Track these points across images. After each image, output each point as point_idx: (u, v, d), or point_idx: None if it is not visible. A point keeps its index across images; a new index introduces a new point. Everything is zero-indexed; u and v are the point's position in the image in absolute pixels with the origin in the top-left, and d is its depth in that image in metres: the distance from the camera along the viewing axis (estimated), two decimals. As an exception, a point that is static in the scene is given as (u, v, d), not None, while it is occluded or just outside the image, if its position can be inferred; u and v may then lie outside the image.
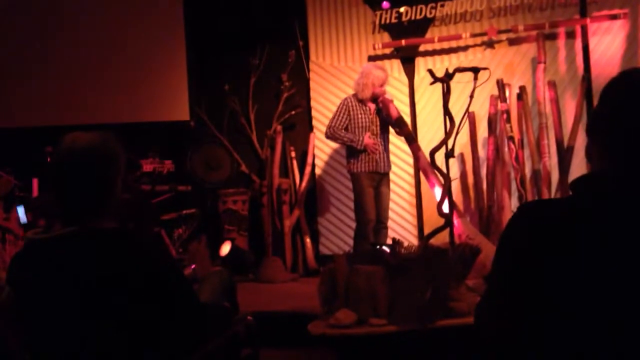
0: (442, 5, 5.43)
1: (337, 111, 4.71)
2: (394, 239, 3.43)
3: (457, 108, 4.87)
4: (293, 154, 5.81)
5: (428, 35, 5.51)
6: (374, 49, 5.58)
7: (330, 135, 4.70)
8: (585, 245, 1.18)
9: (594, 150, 1.30)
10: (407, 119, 5.10)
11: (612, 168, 1.25)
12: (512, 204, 5.03)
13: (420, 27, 5.53)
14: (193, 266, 3.34)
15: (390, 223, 5.00)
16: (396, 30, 5.58)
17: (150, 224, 4.68)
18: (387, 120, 4.69)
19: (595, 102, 1.35)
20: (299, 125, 5.89)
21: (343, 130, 4.64)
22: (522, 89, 5.08)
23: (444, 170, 4.00)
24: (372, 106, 4.69)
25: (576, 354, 1.16)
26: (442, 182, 4.13)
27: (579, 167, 4.85)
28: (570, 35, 5.19)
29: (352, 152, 4.66)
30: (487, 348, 1.36)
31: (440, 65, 5.38)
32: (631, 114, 1.23)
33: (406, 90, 5.59)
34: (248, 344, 2.19)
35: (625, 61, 4.98)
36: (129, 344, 1.52)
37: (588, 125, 1.33)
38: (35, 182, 4.91)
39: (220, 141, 5.85)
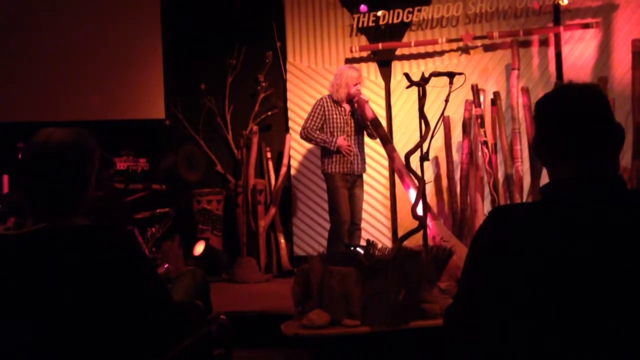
0: (419, 10, 5.48)
1: (311, 112, 4.71)
2: (367, 241, 3.44)
3: (433, 112, 4.92)
4: (269, 155, 5.81)
5: (405, 39, 5.56)
6: (351, 51, 5.60)
7: (304, 136, 4.70)
8: (555, 248, 1.21)
9: (550, 166, 1.37)
10: (383, 122, 5.13)
11: (571, 176, 1.30)
12: (484, 208, 5.10)
13: (397, 31, 5.57)
14: (166, 265, 3.32)
15: (364, 225, 5.02)
16: (373, 33, 5.61)
17: (123, 222, 4.63)
18: (362, 121, 4.71)
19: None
20: (275, 126, 5.89)
21: (317, 132, 4.65)
22: (496, 94, 5.15)
23: (419, 173, 4.04)
24: (347, 107, 4.71)
25: (545, 354, 1.19)
26: (417, 184, 4.17)
27: (550, 172, 4.92)
28: (544, 42, 5.28)
29: (326, 153, 4.67)
30: (456, 349, 1.38)
31: (417, 69, 5.43)
32: (578, 126, 1.29)
33: (382, 93, 5.63)
34: (221, 343, 2.18)
35: (597, 69, 5.09)
36: (99, 343, 1.51)
37: (535, 146, 1.39)
38: (5, 179, 4.83)
39: (194, 140, 5.81)
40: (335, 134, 4.62)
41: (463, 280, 1.37)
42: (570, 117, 1.31)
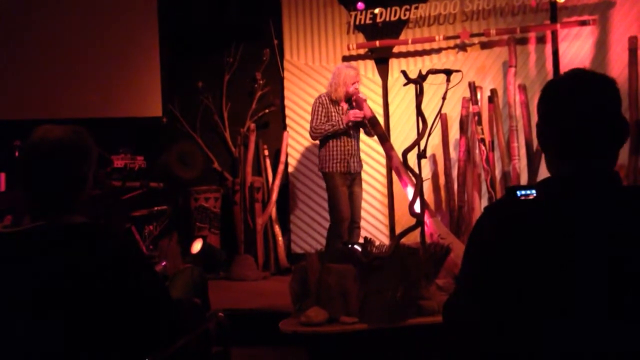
0: (417, 8, 5.48)
1: (313, 111, 4.68)
2: (365, 238, 3.45)
3: (430, 109, 4.92)
4: (266, 152, 5.81)
5: (402, 36, 5.56)
6: (349, 49, 5.60)
7: (314, 135, 4.65)
8: (550, 244, 1.21)
9: (550, 157, 1.34)
10: (381, 120, 5.13)
11: (572, 172, 1.29)
12: (482, 205, 5.10)
13: (394, 29, 5.57)
14: (163, 263, 3.32)
15: (362, 222, 5.02)
16: (370, 31, 5.61)
17: (120, 220, 4.62)
18: (360, 119, 4.70)
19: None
20: (273, 124, 5.89)
21: (323, 124, 4.61)
22: (493, 91, 5.15)
23: (416, 170, 4.04)
24: (345, 106, 4.71)
25: (545, 348, 1.19)
26: (414, 182, 4.17)
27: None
28: (541, 40, 5.28)
29: (324, 152, 4.66)
30: (455, 344, 1.38)
31: (414, 66, 5.43)
32: (587, 119, 1.28)
33: (380, 91, 5.63)
34: (219, 341, 2.18)
35: (594, 66, 5.08)
36: (97, 341, 1.51)
37: (540, 137, 1.36)
38: (2, 177, 4.82)
39: (192, 138, 5.81)
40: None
41: (462, 275, 1.37)
42: (583, 109, 1.27)
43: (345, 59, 5.63)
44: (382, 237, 5.42)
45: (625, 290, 1.16)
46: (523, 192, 1.27)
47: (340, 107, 4.68)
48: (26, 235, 1.53)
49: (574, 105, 1.29)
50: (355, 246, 3.45)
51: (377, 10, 5.51)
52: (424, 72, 4.10)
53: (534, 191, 1.28)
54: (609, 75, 1.32)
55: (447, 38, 5.40)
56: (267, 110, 5.83)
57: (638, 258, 1.17)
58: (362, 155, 4.91)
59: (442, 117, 5.11)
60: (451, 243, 3.83)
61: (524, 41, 5.29)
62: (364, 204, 5.16)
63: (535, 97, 5.41)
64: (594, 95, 1.29)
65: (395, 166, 4.67)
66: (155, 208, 5.22)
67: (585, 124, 1.27)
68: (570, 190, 1.27)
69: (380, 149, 5.03)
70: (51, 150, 1.56)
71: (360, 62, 5.61)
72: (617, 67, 5.01)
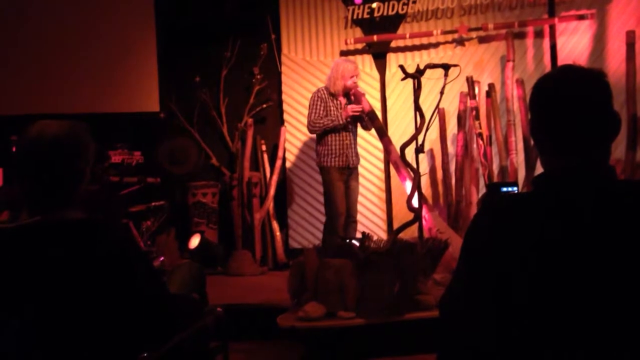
0: (414, 2, 5.47)
1: (311, 105, 4.68)
2: (363, 233, 3.46)
3: (428, 104, 4.92)
4: (264, 147, 5.80)
5: (400, 31, 5.55)
6: (346, 44, 5.59)
7: (312, 129, 4.65)
8: (547, 238, 1.21)
9: (544, 152, 1.35)
10: (379, 114, 5.13)
11: (566, 167, 1.29)
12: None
13: (392, 23, 5.57)
14: (161, 258, 3.32)
15: (359, 217, 5.02)
16: (368, 25, 5.60)
17: (118, 215, 4.62)
18: (359, 113, 4.70)
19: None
20: (270, 119, 5.88)
21: (322, 118, 4.61)
22: (491, 86, 5.15)
23: (414, 165, 4.05)
24: (343, 101, 4.71)
25: (541, 346, 1.19)
26: (413, 176, 4.17)
27: (545, 164, 4.94)
28: (539, 34, 5.28)
29: (321, 146, 4.66)
30: (451, 339, 1.38)
31: (412, 61, 5.42)
32: (577, 114, 1.28)
33: (377, 85, 5.63)
34: (217, 336, 2.19)
35: (592, 61, 5.09)
36: (95, 336, 1.51)
37: (533, 133, 1.36)
38: (0, 172, 4.81)
39: (189, 133, 5.80)
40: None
41: (458, 270, 1.38)
42: (572, 104, 1.28)
43: (343, 53, 5.62)
44: (379, 232, 5.43)
45: (623, 284, 1.17)
46: (506, 189, 1.27)
47: (338, 102, 4.68)
48: (23, 231, 1.53)
49: (563, 99, 1.29)
50: (353, 241, 3.45)
51: (374, 5, 5.51)
52: (421, 67, 4.10)
53: (515, 188, 1.28)
54: (600, 69, 1.33)
55: (444, 32, 5.39)
56: (264, 105, 5.82)
57: (635, 252, 1.18)
58: (360, 150, 4.92)
59: (439, 112, 5.12)
60: (449, 237, 3.84)
61: (521, 35, 5.29)
62: (361, 199, 5.16)
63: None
64: (583, 89, 1.30)
65: (394, 160, 4.67)
66: (153, 203, 5.22)
67: (575, 118, 1.28)
68: (566, 185, 1.27)
69: (378, 143, 5.03)
70: (48, 146, 1.55)
71: (358, 57, 5.60)
72: (615, 62, 5.01)
